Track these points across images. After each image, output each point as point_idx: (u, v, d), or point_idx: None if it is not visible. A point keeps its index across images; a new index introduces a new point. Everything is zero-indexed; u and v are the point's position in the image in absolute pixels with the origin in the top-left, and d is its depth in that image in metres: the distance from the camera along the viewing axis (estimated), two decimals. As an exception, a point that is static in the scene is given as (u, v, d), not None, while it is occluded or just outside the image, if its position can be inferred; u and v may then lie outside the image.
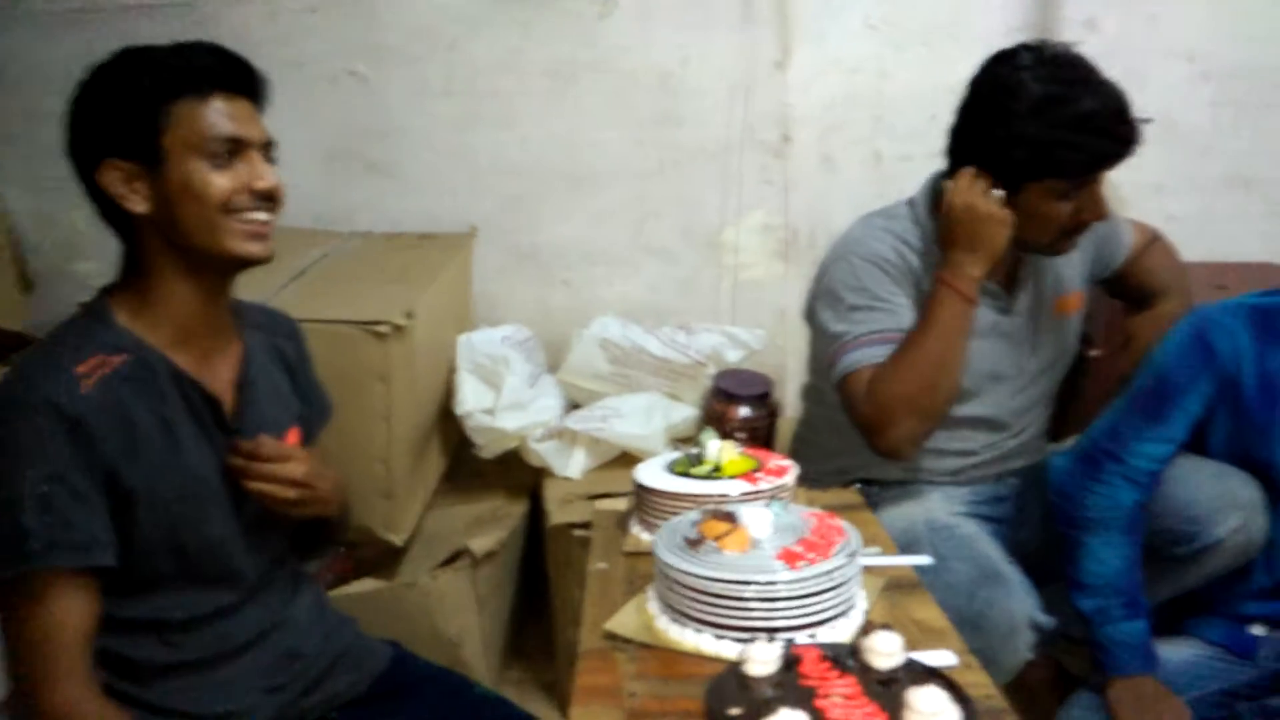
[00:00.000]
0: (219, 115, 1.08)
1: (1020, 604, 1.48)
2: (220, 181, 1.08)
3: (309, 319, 1.40)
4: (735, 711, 0.74)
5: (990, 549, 1.53)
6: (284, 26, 2.37)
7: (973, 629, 1.38)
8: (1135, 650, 1.52)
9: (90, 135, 1.09)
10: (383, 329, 1.75)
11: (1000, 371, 1.68)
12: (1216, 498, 1.50)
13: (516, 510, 2.17)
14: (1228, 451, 1.56)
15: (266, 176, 1.11)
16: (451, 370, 2.15)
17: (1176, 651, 1.59)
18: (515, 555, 2.20)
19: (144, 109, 1.06)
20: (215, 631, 1.14)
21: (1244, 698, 1.57)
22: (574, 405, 2.25)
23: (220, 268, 1.13)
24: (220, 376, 1.16)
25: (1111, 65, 2.32)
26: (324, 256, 2.18)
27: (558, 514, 2.01)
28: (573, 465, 2.12)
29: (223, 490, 1.13)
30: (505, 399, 2.12)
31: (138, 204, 1.08)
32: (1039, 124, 1.48)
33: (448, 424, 2.15)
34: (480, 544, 2.01)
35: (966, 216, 1.52)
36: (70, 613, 1.02)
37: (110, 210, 1.10)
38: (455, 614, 1.97)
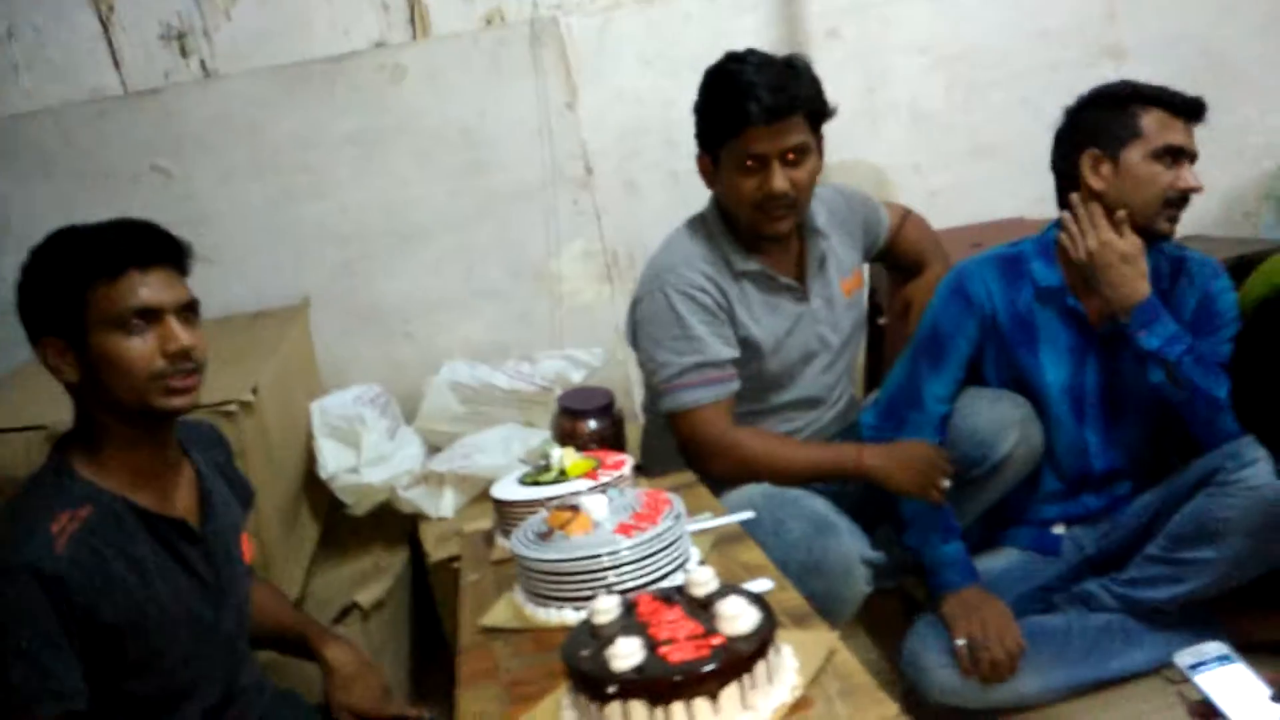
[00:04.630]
0: (130, 290, 1.16)
1: (851, 546, 1.64)
2: (137, 348, 1.16)
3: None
4: (586, 652, 0.89)
5: (819, 504, 1.69)
6: (76, 137, 2.39)
7: (815, 574, 1.53)
8: (956, 567, 1.72)
9: (28, 315, 1.19)
10: (230, 408, 1.76)
11: (810, 353, 1.87)
12: (995, 420, 1.71)
13: (397, 559, 2.22)
14: (1000, 378, 1.79)
15: (180, 338, 1.18)
16: (309, 437, 2.18)
17: (995, 562, 1.80)
18: (405, 601, 2.25)
19: (65, 295, 1.16)
20: None
21: (1056, 589, 1.79)
22: (435, 449, 2.30)
23: (150, 421, 1.21)
24: (181, 499, 1.27)
25: (856, 66, 2.61)
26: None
27: (437, 551, 2.07)
28: (444, 505, 2.18)
29: (199, 608, 1.23)
30: (367, 455, 2.16)
31: (69, 375, 1.18)
32: (701, 95, 1.73)
33: (315, 489, 2.19)
34: (366, 596, 2.06)
35: (908, 461, 1.69)
36: None
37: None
38: (355, 668, 2.02)
